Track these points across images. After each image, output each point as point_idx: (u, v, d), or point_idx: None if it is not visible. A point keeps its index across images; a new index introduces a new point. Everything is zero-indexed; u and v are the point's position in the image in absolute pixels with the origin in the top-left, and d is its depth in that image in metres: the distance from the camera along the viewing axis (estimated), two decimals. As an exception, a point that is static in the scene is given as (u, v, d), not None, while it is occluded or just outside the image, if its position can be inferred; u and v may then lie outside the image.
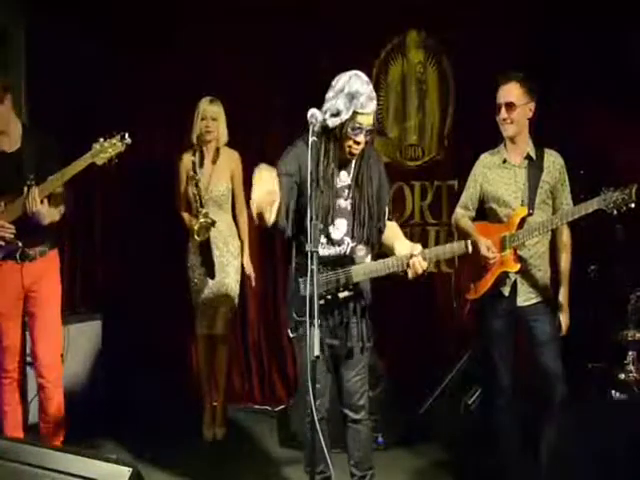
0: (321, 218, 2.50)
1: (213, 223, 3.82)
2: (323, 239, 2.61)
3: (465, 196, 3.26)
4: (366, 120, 2.51)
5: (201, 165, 3.94)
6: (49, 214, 3.22)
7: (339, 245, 2.64)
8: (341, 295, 2.62)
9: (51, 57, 4.51)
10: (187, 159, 4.01)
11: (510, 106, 3.01)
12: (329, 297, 2.60)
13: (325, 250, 2.62)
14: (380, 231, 2.71)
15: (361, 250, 2.60)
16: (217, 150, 3.93)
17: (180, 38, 4.64)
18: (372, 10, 4.34)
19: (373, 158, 2.70)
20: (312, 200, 2.33)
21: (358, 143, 2.54)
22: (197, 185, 3.83)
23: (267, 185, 2.27)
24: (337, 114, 2.49)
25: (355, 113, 2.48)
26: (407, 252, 2.56)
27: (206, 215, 3.81)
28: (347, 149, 2.55)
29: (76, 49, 4.58)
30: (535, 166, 3.06)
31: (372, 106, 2.51)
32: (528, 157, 3.08)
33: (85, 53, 4.61)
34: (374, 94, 2.53)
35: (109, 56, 4.70)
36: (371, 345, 2.73)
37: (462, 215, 3.25)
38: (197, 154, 3.96)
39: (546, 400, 3.01)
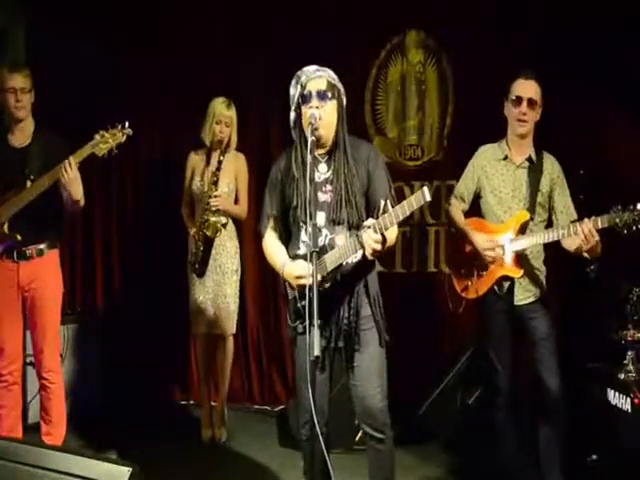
0: (302, 214, 2.47)
1: (225, 225, 3.83)
2: (304, 236, 2.51)
3: (461, 186, 3.23)
4: (313, 85, 2.47)
5: (207, 164, 3.94)
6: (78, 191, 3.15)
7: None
8: (321, 288, 2.37)
9: (51, 57, 4.51)
10: (195, 159, 4.02)
11: (532, 103, 2.98)
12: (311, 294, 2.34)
13: (305, 247, 2.48)
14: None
15: (340, 240, 2.45)
16: (225, 152, 3.91)
17: (180, 38, 4.64)
18: (372, 10, 4.35)
19: (357, 147, 2.56)
20: (311, 200, 2.32)
21: (312, 108, 2.44)
22: (215, 184, 3.81)
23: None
24: (292, 101, 2.53)
25: (303, 87, 2.48)
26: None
27: (218, 215, 3.80)
28: (308, 125, 2.41)
29: (76, 48, 4.58)
30: (535, 169, 3.05)
31: (319, 73, 2.50)
32: (529, 159, 3.07)
33: (85, 52, 4.61)
34: (322, 71, 2.51)
35: (109, 55, 4.71)
36: (379, 343, 2.53)
37: (456, 207, 3.23)
38: (207, 154, 3.96)
39: (544, 397, 3.01)
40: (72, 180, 3.05)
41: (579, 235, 2.71)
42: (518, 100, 2.99)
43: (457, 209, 3.23)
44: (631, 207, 2.64)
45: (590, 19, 3.85)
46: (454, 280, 3.26)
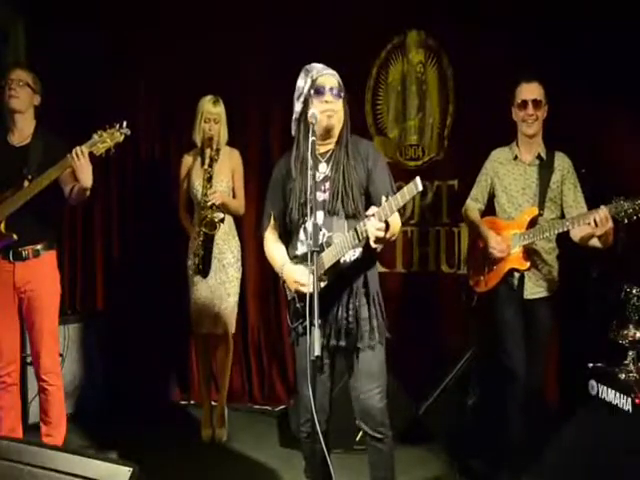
0: (298, 212, 2.51)
1: (222, 220, 3.83)
2: (302, 235, 2.53)
3: (476, 189, 3.36)
4: (327, 81, 2.50)
5: (202, 164, 3.94)
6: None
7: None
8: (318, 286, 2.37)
9: (51, 57, 4.51)
10: (189, 160, 4.02)
11: (537, 103, 3.11)
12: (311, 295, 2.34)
13: (304, 247, 2.51)
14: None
15: (338, 238, 2.45)
16: (218, 150, 3.90)
17: (180, 38, 4.64)
18: (372, 10, 4.34)
19: (356, 145, 2.58)
20: (313, 200, 2.34)
21: (328, 102, 2.47)
22: (209, 180, 3.81)
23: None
24: (300, 93, 2.54)
25: (313, 81, 2.50)
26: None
27: (215, 211, 3.80)
28: (323, 119, 2.45)
29: (76, 48, 4.59)
30: (545, 166, 3.14)
31: (330, 71, 2.53)
32: (539, 157, 3.17)
33: (85, 52, 4.61)
34: (330, 70, 2.55)
35: (109, 55, 4.71)
36: (379, 343, 2.51)
37: (472, 207, 3.36)
38: (200, 153, 3.95)
39: (529, 388, 3.11)
40: (83, 166, 3.02)
41: (594, 221, 2.77)
42: (524, 104, 3.13)
43: (473, 209, 3.36)
44: (632, 197, 2.76)
45: (590, 19, 3.85)
46: (468, 274, 3.41)
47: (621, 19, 3.75)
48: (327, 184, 2.53)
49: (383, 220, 2.23)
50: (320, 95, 2.48)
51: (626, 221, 2.77)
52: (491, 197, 3.33)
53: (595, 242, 2.92)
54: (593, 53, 3.81)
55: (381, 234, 2.25)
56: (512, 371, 3.12)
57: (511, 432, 3.17)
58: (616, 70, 3.76)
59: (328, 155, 2.57)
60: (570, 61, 3.85)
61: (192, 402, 4.75)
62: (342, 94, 2.53)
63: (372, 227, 2.25)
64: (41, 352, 3.27)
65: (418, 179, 2.15)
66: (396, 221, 2.42)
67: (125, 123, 3.05)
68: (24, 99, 3.29)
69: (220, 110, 3.92)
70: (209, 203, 3.78)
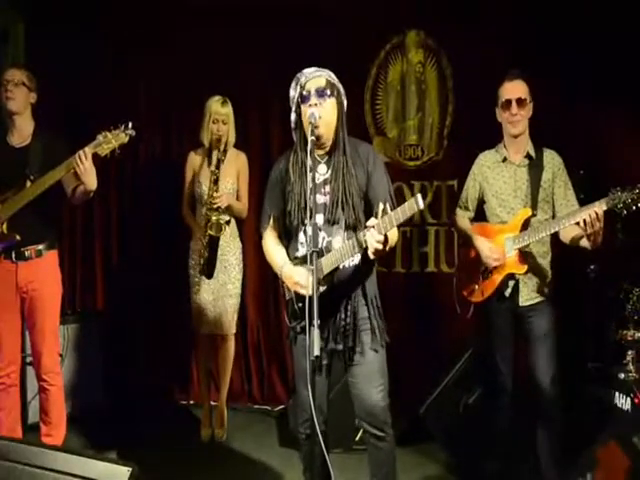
0: (298, 215, 2.51)
1: (228, 222, 3.82)
2: (302, 238, 2.53)
3: (464, 195, 3.25)
4: (312, 84, 2.48)
5: (209, 164, 3.94)
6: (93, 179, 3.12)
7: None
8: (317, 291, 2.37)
9: (51, 57, 4.52)
10: (195, 158, 4.02)
11: (522, 102, 3.00)
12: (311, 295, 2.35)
13: (304, 249, 2.51)
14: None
15: (337, 243, 2.46)
16: (225, 151, 3.90)
17: (180, 38, 4.64)
18: (372, 10, 4.35)
19: (356, 148, 2.57)
20: (313, 201, 2.33)
21: (312, 106, 2.45)
22: (216, 182, 3.81)
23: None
24: (292, 102, 2.53)
25: (302, 87, 2.49)
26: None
27: (221, 213, 3.80)
28: (308, 124, 2.42)
29: (76, 49, 4.59)
30: (535, 165, 3.04)
31: (319, 72, 2.51)
32: (528, 156, 3.08)
33: (85, 53, 4.62)
34: (321, 71, 2.52)
35: (109, 56, 4.71)
36: (379, 343, 2.53)
37: (462, 216, 3.25)
38: (208, 153, 3.95)
39: (538, 398, 3.01)
40: (87, 170, 3.03)
41: (586, 218, 2.67)
42: (507, 103, 3.02)
43: (462, 217, 3.25)
44: (629, 187, 2.65)
45: (591, 19, 3.85)
46: (461, 284, 3.26)
47: (620, 19, 3.76)
48: (327, 187, 2.52)
49: (383, 233, 2.23)
50: (306, 101, 2.48)
51: (625, 212, 2.65)
52: (480, 202, 3.21)
53: (584, 243, 2.82)
54: (592, 53, 3.82)
55: (380, 246, 2.25)
56: (499, 386, 3.09)
57: (499, 447, 3.14)
58: (615, 70, 3.77)
59: (327, 157, 2.56)
60: (569, 61, 3.86)
61: (192, 402, 4.75)
62: (331, 92, 2.49)
63: (372, 239, 2.25)
64: (42, 352, 3.27)
65: (419, 197, 2.14)
66: (394, 233, 2.41)
67: (130, 124, 3.05)
68: (21, 99, 3.29)
69: (228, 111, 3.92)
70: (215, 206, 3.78)
